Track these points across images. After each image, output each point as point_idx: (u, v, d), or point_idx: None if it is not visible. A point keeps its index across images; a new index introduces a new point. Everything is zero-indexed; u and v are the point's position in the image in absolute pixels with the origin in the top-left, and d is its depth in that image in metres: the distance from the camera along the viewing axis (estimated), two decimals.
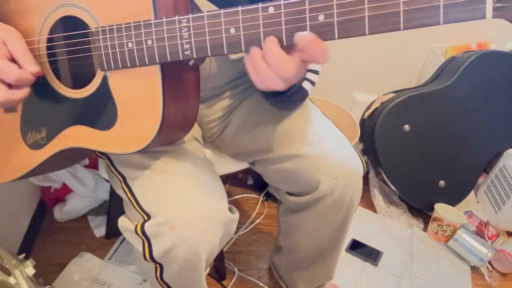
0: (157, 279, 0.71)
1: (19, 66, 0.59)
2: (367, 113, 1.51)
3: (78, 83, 0.65)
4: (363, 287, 1.27)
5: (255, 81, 0.53)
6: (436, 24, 0.43)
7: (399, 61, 1.75)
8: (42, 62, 0.65)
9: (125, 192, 0.72)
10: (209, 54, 0.53)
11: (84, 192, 1.38)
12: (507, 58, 1.45)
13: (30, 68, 0.59)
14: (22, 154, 0.72)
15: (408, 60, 1.76)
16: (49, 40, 0.65)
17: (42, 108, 0.69)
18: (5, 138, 0.74)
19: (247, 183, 1.65)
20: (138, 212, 0.68)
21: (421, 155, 1.47)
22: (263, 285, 1.25)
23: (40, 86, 0.63)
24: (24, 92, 0.60)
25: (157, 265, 0.69)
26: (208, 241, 0.69)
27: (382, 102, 1.47)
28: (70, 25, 0.62)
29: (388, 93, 1.50)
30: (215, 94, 0.87)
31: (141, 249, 0.66)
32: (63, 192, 1.42)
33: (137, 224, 0.67)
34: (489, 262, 1.37)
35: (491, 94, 1.47)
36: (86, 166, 1.43)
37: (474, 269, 1.36)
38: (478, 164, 1.53)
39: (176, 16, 0.53)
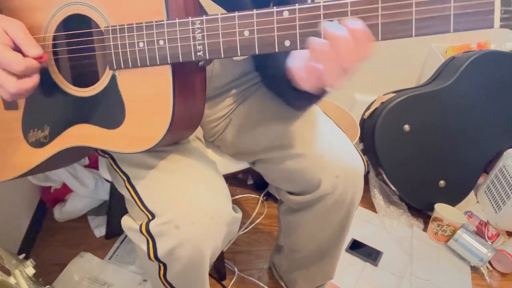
0: (160, 278, 0.71)
1: (22, 54, 0.58)
2: (367, 113, 1.52)
3: (85, 82, 0.65)
4: (363, 287, 1.27)
5: (310, 78, 0.52)
6: (446, 32, 0.45)
7: (399, 61, 1.75)
8: (48, 60, 0.65)
9: (129, 191, 0.72)
10: (222, 56, 0.53)
11: (84, 192, 1.38)
12: (507, 58, 1.45)
13: (32, 51, 0.58)
14: (23, 153, 0.72)
15: (408, 60, 1.76)
16: (56, 38, 0.64)
17: (46, 106, 0.68)
18: (6, 136, 0.73)
19: (247, 183, 1.65)
20: (142, 211, 0.68)
21: (421, 155, 1.48)
22: (263, 285, 1.24)
23: (45, 84, 0.62)
24: (34, 79, 0.59)
25: (161, 265, 0.69)
26: (212, 241, 0.69)
27: (382, 102, 1.47)
28: (78, 23, 0.62)
29: (388, 93, 1.50)
30: (218, 93, 0.87)
31: (145, 248, 0.66)
32: (63, 192, 1.42)
33: (141, 224, 0.67)
34: (489, 262, 1.37)
35: (491, 94, 1.47)
36: (86, 166, 1.43)
37: (474, 269, 1.37)
38: (478, 164, 1.53)
39: (190, 17, 0.53)
